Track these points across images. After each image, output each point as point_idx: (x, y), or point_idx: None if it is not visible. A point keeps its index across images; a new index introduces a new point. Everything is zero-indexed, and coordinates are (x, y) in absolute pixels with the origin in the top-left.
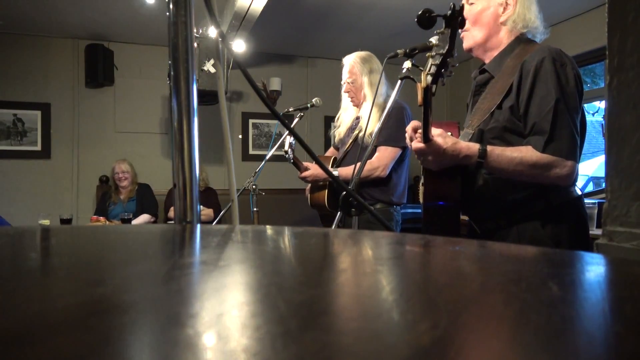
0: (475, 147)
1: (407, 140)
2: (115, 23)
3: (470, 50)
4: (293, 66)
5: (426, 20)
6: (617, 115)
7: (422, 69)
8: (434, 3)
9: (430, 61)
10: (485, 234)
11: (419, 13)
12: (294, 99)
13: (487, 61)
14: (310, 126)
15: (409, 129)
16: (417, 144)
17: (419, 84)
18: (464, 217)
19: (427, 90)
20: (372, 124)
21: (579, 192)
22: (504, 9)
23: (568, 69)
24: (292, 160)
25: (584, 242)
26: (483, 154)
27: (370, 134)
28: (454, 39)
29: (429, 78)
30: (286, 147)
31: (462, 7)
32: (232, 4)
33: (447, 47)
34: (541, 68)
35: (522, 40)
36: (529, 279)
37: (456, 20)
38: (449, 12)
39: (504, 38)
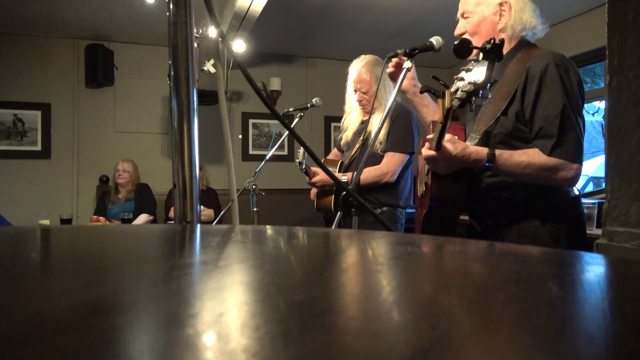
0: (483, 151)
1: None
2: (115, 23)
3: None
4: (293, 66)
5: (464, 50)
6: (617, 115)
7: (442, 82)
8: (435, 4)
9: (458, 84)
10: (486, 232)
11: (457, 43)
12: (294, 99)
13: None
14: (310, 126)
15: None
16: (428, 151)
17: (440, 101)
18: (464, 217)
19: (449, 111)
20: (383, 129)
21: (576, 192)
22: (500, 16)
23: (571, 74)
24: (304, 169)
25: (581, 240)
26: (492, 158)
27: (379, 140)
28: (490, 72)
29: (456, 102)
30: (300, 158)
31: (502, 42)
32: (232, 4)
33: (483, 80)
34: (546, 74)
35: (523, 45)
36: (529, 279)
37: (495, 54)
38: (488, 45)
39: (505, 44)
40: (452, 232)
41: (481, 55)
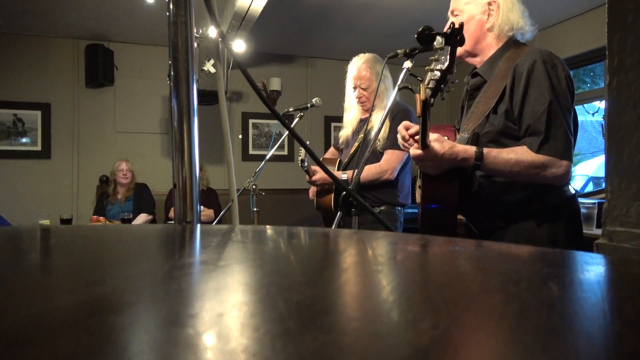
0: (471, 150)
1: (400, 141)
2: (115, 23)
3: (460, 58)
4: (293, 66)
5: (426, 38)
6: (617, 115)
7: (420, 78)
8: (434, 4)
9: (429, 75)
10: (483, 234)
11: (419, 30)
12: (294, 99)
13: (478, 66)
14: (310, 126)
15: (400, 129)
16: (415, 150)
17: (417, 95)
18: (462, 218)
19: (425, 102)
20: (383, 127)
21: (573, 191)
22: (488, 15)
23: (559, 70)
24: (306, 168)
25: (578, 240)
26: (480, 156)
27: (378, 137)
28: (453, 57)
29: (428, 92)
30: (302, 156)
31: (461, 26)
32: (232, 4)
33: (447, 65)
34: (533, 71)
35: (511, 44)
36: (528, 279)
37: (456, 38)
38: (449, 30)
39: (493, 43)
40: (452, 233)
41: (443, 42)
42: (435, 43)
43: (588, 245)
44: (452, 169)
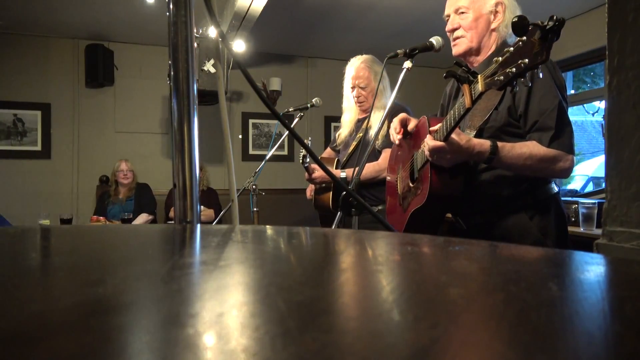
0: (486, 143)
1: (393, 135)
2: (115, 23)
3: (462, 55)
4: (293, 66)
5: (522, 28)
6: (617, 115)
7: (465, 68)
8: (435, 4)
9: (495, 67)
10: (472, 229)
11: (515, 20)
12: (294, 99)
13: (474, 65)
14: (310, 126)
15: (396, 123)
16: (435, 142)
17: (466, 86)
18: (447, 215)
19: (481, 94)
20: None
21: (556, 189)
22: (495, 16)
23: (558, 73)
24: (307, 165)
25: (564, 235)
26: (494, 149)
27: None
28: (549, 50)
29: (497, 83)
30: (305, 151)
31: (563, 20)
32: (232, 4)
33: (542, 57)
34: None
35: (507, 45)
36: (529, 279)
37: (554, 32)
38: (549, 23)
39: (492, 43)
40: (436, 230)
41: (537, 34)
42: (435, 43)
43: (573, 241)
44: (460, 163)
